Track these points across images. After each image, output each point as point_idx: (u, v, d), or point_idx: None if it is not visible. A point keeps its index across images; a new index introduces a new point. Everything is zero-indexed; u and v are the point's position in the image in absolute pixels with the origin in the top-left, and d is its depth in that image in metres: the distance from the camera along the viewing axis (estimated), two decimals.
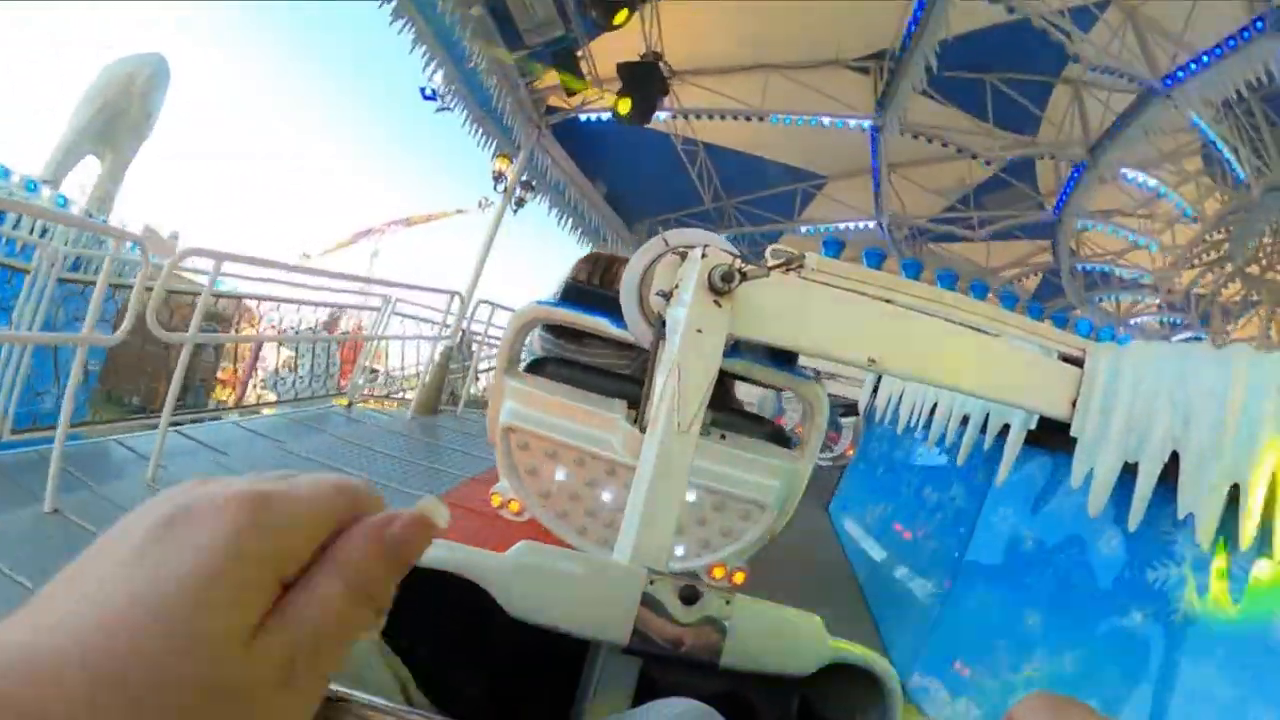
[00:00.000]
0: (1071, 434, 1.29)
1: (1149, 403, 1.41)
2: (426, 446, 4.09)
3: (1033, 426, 1.53)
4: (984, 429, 1.88)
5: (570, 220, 7.60)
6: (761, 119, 6.33)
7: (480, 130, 6.03)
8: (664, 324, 1.01)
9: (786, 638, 0.66)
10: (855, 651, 0.67)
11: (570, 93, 5.54)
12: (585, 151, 6.91)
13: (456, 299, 5.56)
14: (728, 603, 0.64)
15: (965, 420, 2.02)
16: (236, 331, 6.30)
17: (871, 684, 0.68)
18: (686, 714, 0.50)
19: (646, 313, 1.11)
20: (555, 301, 1.38)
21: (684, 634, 0.63)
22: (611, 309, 1.21)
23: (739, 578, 1.38)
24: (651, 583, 0.64)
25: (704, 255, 0.98)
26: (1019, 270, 9.02)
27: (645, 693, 0.59)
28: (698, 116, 6.52)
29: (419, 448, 4.03)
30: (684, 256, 1.05)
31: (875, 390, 3.47)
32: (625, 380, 1.40)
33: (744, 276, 0.97)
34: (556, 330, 1.51)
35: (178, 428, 3.51)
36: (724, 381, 1.49)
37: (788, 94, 6.19)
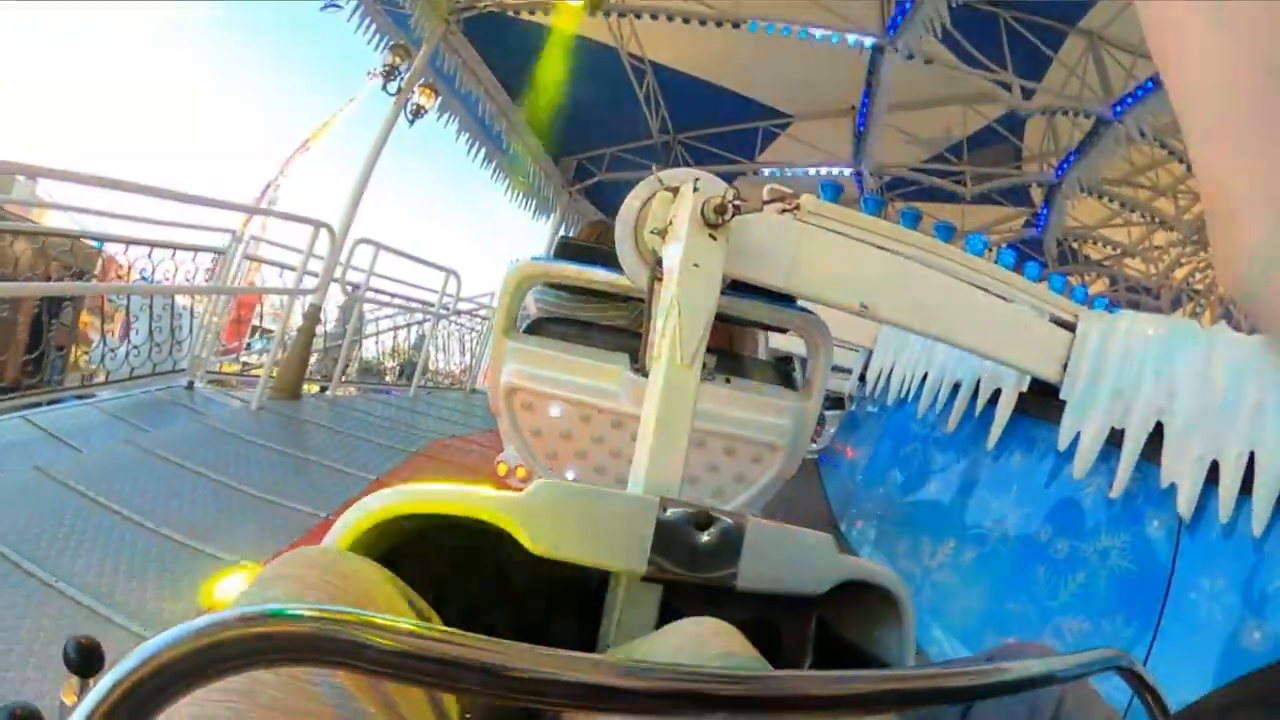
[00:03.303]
0: (1061, 397, 1.54)
1: (1137, 372, 1.69)
2: (273, 459, 3.43)
3: (1024, 389, 1.79)
4: (974, 395, 2.16)
5: (483, 149, 7.50)
6: (736, 25, 6.24)
7: (373, 25, 5.83)
8: (660, 263, 1.16)
9: (799, 557, 0.83)
10: (866, 567, 0.85)
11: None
12: (507, 61, 6.80)
13: (324, 234, 4.78)
14: (740, 526, 0.80)
15: (956, 388, 2.29)
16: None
17: (883, 600, 0.86)
18: (704, 630, 0.65)
19: (642, 252, 1.26)
20: (550, 258, 1.55)
21: (699, 559, 0.78)
22: (606, 262, 1.39)
23: None
24: (665, 510, 0.78)
25: (696, 188, 1.13)
26: (991, 237, 9.69)
27: (669, 622, 0.72)
28: (654, 17, 6.41)
29: (260, 462, 3.33)
30: (677, 193, 1.20)
31: (863, 375, 3.77)
32: (625, 334, 1.60)
33: (738, 210, 1.13)
34: (554, 288, 1.73)
35: None
36: (727, 326, 1.70)
37: (766, 3, 6.17)
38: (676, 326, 1.03)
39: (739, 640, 0.62)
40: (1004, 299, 1.56)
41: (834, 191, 1.51)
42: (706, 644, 0.61)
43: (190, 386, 4.78)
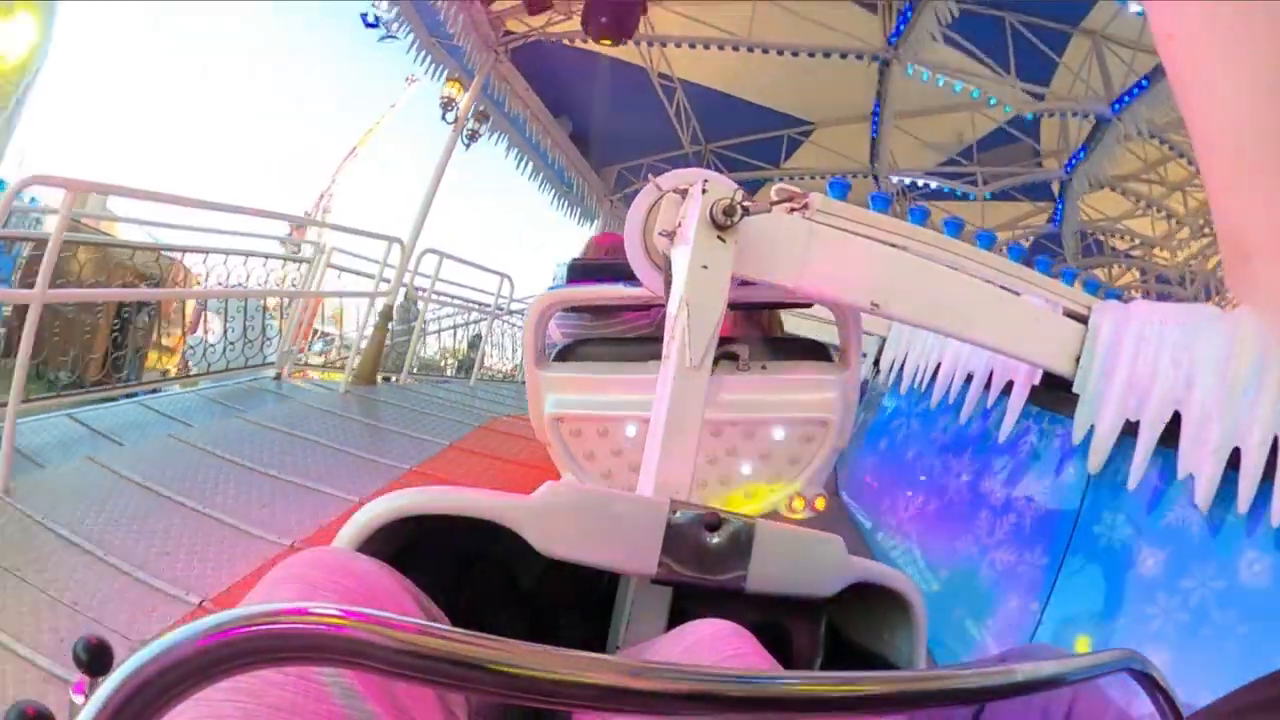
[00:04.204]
0: (1074, 390, 1.38)
1: (1152, 362, 1.51)
2: (362, 429, 3.80)
3: (1036, 383, 1.62)
4: (987, 386, 1.99)
5: (530, 163, 7.47)
6: (751, 50, 6.20)
7: (429, 58, 5.85)
8: (671, 265, 1.05)
9: (809, 559, 0.74)
10: (876, 569, 0.74)
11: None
12: (549, 84, 6.77)
13: (396, 247, 5.17)
14: (750, 528, 0.70)
15: (969, 379, 2.12)
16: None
17: (894, 603, 0.76)
18: (717, 632, 0.57)
19: (652, 256, 1.15)
20: (564, 284, 1.45)
21: (709, 561, 0.69)
22: (619, 274, 1.27)
23: (820, 504, 1.45)
24: (675, 513, 0.70)
25: (705, 190, 1.02)
26: (1015, 233, 9.23)
27: (679, 624, 0.64)
28: (677, 45, 6.38)
29: (352, 431, 3.69)
30: (685, 194, 1.08)
31: (877, 360, 3.61)
32: (652, 341, 1.47)
33: (746, 211, 1.01)
34: (573, 311, 1.60)
35: (71, 412, 3.37)
36: (753, 315, 1.57)
37: (779, 24, 6.05)
38: (685, 329, 0.93)
39: (751, 642, 0.56)
40: (1015, 293, 1.40)
41: (842, 189, 1.37)
42: (719, 645, 0.55)
43: (278, 377, 4.91)
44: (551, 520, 0.68)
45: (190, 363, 5.60)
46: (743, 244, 1.03)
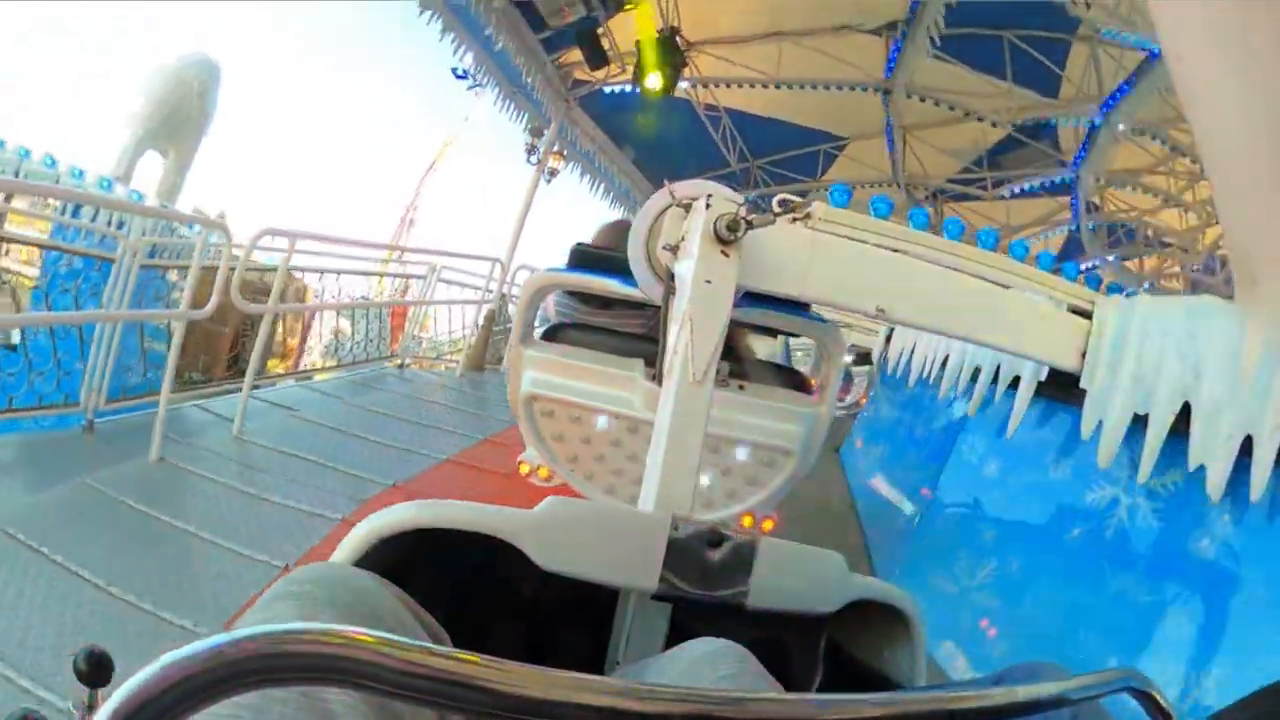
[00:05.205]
0: (1080, 385, 1.20)
1: (1159, 355, 1.30)
2: (474, 398, 4.28)
3: (1043, 378, 1.43)
4: (995, 381, 1.79)
5: (601, 186, 7.53)
6: (777, 86, 6.15)
7: (513, 105, 5.97)
8: (673, 278, 0.94)
9: (810, 576, 0.64)
10: (876, 585, 0.64)
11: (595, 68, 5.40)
12: (612, 120, 6.76)
13: (497, 265, 5.58)
14: (752, 545, 0.61)
15: (977, 372, 1.92)
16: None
17: (895, 620, 0.65)
18: (716, 651, 0.49)
19: (655, 268, 1.04)
20: (566, 268, 1.31)
21: (711, 577, 0.60)
22: (621, 270, 1.14)
23: (767, 525, 1.33)
24: (676, 529, 0.60)
25: (708, 205, 0.92)
26: (1041, 228, 8.43)
27: (678, 641, 0.56)
28: (715, 86, 6.37)
29: (468, 399, 4.22)
30: (689, 209, 0.98)
31: (889, 338, 3.36)
32: (641, 340, 1.35)
33: (749, 225, 0.91)
34: (571, 295, 1.46)
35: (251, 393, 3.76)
36: (739, 332, 1.43)
37: (802, 60, 5.90)
38: (689, 344, 0.81)
39: (751, 661, 0.48)
40: (1019, 292, 1.23)
41: (845, 196, 1.22)
42: (718, 665, 0.47)
43: (402, 367, 5.24)
44: (552, 534, 0.59)
45: (339, 358, 6.08)
46: (746, 256, 0.91)
